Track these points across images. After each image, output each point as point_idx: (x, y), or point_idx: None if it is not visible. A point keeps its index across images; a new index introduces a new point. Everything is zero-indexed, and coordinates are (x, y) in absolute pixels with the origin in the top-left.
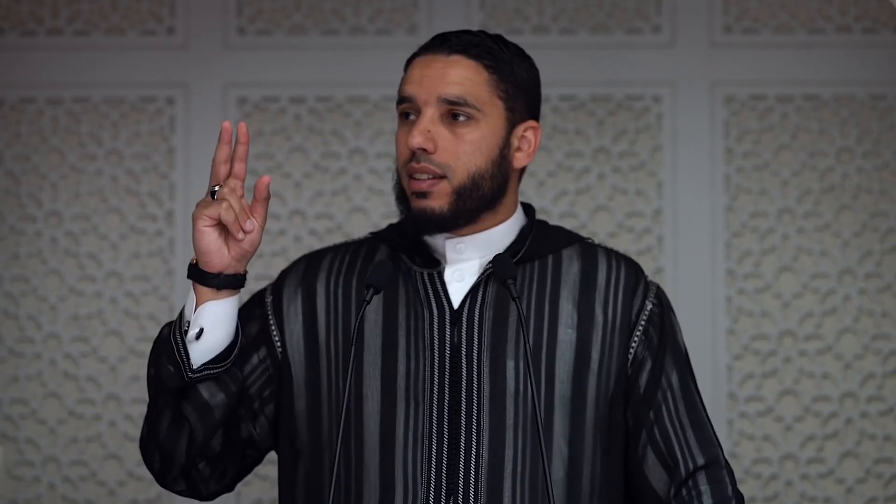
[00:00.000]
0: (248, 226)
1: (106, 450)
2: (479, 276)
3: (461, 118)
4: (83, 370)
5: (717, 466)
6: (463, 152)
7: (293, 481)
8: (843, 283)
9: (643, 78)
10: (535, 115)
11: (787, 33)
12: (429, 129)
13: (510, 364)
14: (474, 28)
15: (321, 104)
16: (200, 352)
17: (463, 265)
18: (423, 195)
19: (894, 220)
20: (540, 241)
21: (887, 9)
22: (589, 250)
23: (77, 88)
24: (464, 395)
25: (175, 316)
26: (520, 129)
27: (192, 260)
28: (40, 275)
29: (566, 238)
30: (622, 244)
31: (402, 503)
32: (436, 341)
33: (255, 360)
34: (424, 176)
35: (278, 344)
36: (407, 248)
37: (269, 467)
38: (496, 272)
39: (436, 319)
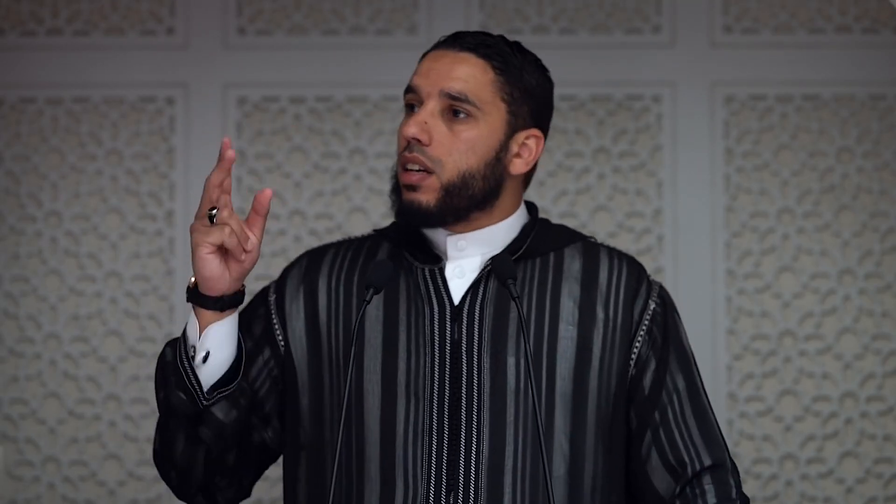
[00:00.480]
0: (248, 245)
1: (106, 450)
2: (480, 273)
3: (461, 115)
4: (83, 370)
5: (723, 468)
6: (456, 149)
7: (297, 478)
8: (843, 283)
9: (643, 78)
10: (541, 124)
11: (787, 33)
12: (426, 120)
13: (511, 360)
14: (474, 28)
15: (321, 104)
16: (209, 374)
17: (464, 262)
18: (413, 188)
19: (894, 220)
20: (542, 238)
21: (887, 9)
22: (591, 248)
23: (77, 88)
24: (464, 391)
25: (175, 316)
26: (521, 136)
27: (191, 283)
28: (40, 275)
29: (568, 236)
30: (622, 244)
31: (403, 499)
32: (436, 337)
33: (260, 362)
34: (415, 167)
35: (281, 343)
36: (409, 244)
37: (269, 467)
38: (496, 272)
39: (436, 315)
